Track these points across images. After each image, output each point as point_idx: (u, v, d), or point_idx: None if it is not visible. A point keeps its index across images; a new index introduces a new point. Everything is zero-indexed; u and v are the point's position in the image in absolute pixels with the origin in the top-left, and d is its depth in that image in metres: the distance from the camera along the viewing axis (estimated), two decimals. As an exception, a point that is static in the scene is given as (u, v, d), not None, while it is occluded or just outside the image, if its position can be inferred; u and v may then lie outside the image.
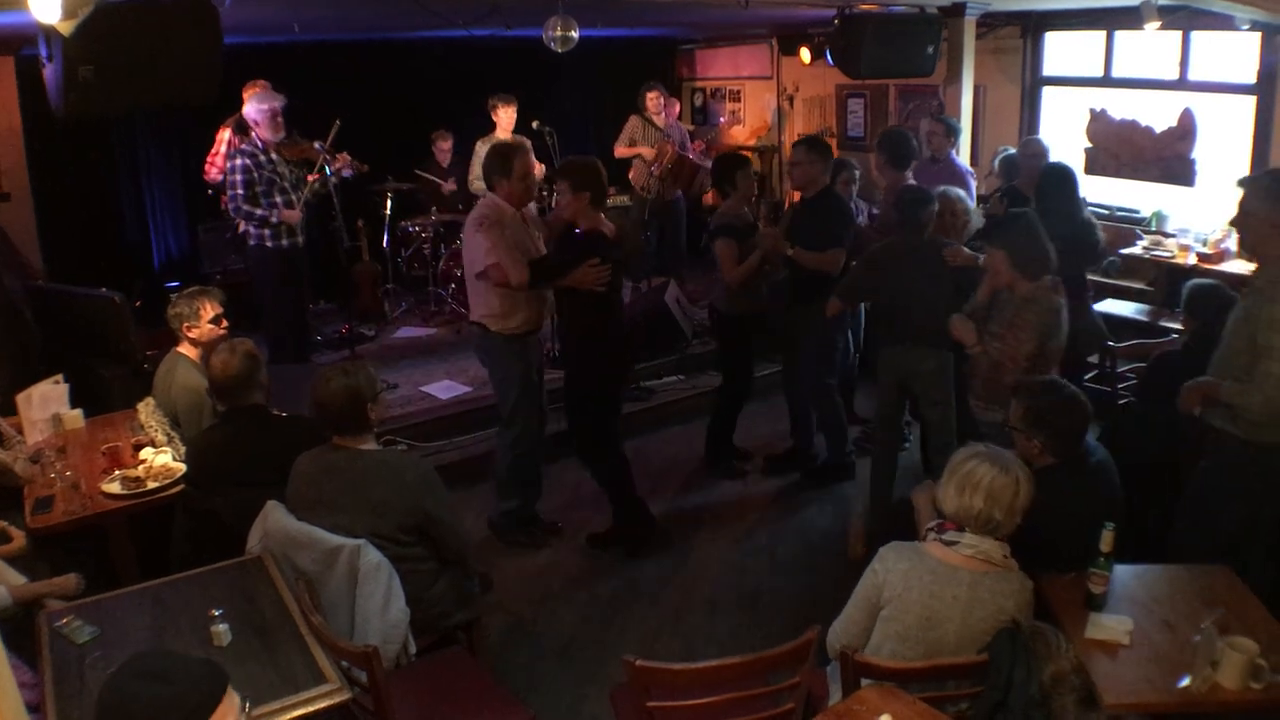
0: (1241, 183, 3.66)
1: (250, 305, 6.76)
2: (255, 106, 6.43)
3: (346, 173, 7.41)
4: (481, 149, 7.80)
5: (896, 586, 2.86)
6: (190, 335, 4.53)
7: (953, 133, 6.96)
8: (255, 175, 6.39)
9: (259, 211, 6.41)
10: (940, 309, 4.69)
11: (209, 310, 4.56)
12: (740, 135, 11.24)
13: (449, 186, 8.91)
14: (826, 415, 5.93)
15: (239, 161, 6.39)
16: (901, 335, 5.06)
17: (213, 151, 7.54)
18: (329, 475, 3.44)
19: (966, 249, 5.02)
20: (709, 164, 8.95)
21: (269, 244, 6.55)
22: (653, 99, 8.43)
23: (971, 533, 2.84)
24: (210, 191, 7.84)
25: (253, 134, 6.51)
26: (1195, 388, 3.65)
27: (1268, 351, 3.36)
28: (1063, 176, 5.83)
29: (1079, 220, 5.65)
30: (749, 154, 10.61)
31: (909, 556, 2.90)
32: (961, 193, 5.52)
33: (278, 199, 6.50)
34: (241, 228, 6.70)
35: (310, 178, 6.91)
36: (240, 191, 6.37)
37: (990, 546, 2.83)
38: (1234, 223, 3.73)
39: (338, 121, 7.15)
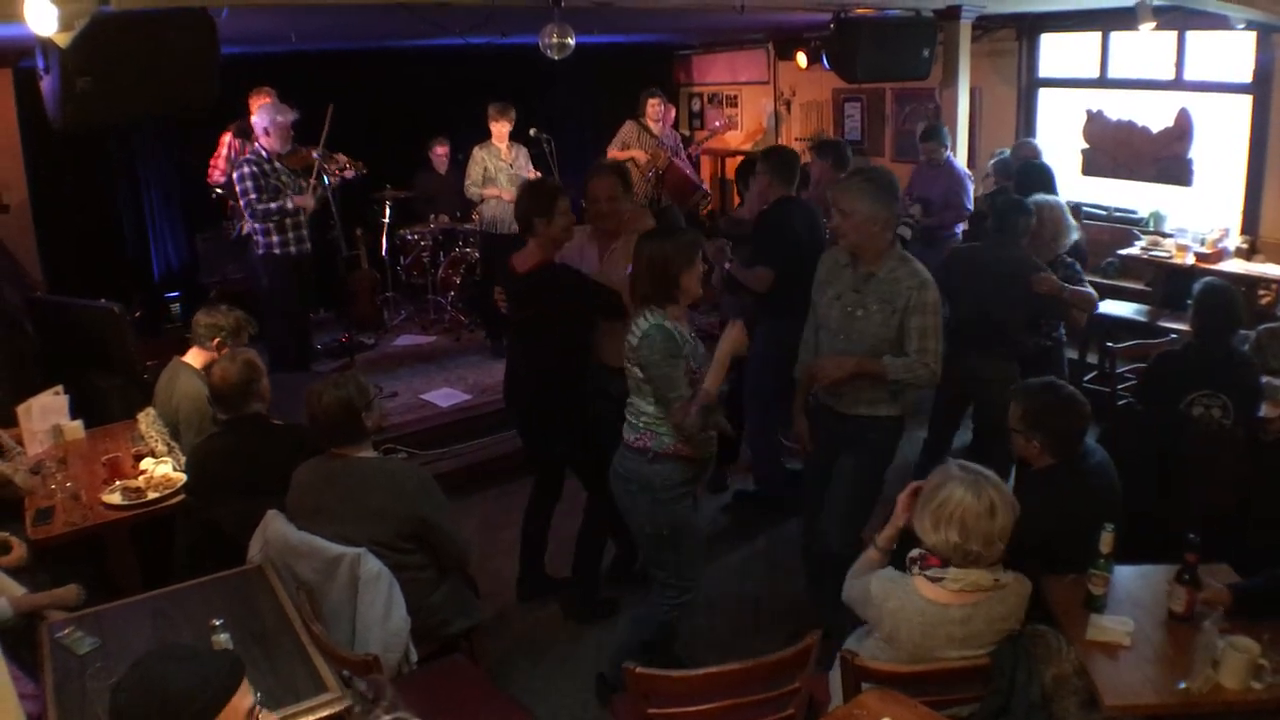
0: (836, 185, 3.90)
1: (251, 314, 6.77)
2: (268, 118, 6.49)
3: (349, 174, 7.44)
4: (479, 155, 7.81)
5: (886, 625, 2.79)
6: (220, 351, 4.52)
7: (944, 140, 7.01)
8: (263, 182, 6.45)
9: (274, 205, 6.49)
10: (1013, 323, 4.97)
11: (244, 339, 4.60)
12: (734, 140, 11.24)
13: (443, 219, 8.85)
14: (755, 438, 5.74)
15: (246, 169, 6.47)
16: (967, 339, 4.99)
17: (215, 155, 7.64)
18: (328, 484, 3.44)
19: (1054, 277, 4.91)
20: (705, 186, 9.01)
21: (277, 250, 6.62)
22: (653, 106, 8.43)
23: (955, 566, 2.72)
24: (214, 195, 7.92)
25: (256, 142, 6.57)
26: (842, 365, 3.84)
27: (923, 332, 3.74)
28: (1038, 176, 5.87)
29: None
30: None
31: (897, 595, 2.79)
32: (1060, 202, 5.28)
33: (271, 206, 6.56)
34: (246, 229, 6.75)
35: (310, 181, 6.94)
36: (253, 196, 6.46)
37: (978, 576, 2.71)
38: (834, 225, 3.86)
39: (331, 106, 7.14)
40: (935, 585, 2.74)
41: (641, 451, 3.63)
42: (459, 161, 8.73)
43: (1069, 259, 5.22)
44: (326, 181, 7.11)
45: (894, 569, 2.93)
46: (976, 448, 5.64)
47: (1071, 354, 6.72)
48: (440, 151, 9.01)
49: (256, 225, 6.62)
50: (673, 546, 3.74)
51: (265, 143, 6.53)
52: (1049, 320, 5.22)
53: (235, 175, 6.55)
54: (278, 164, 6.60)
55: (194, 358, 4.60)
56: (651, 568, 3.89)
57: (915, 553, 2.86)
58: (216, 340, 4.54)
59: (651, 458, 3.61)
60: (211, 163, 7.76)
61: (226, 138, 7.64)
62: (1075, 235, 5.28)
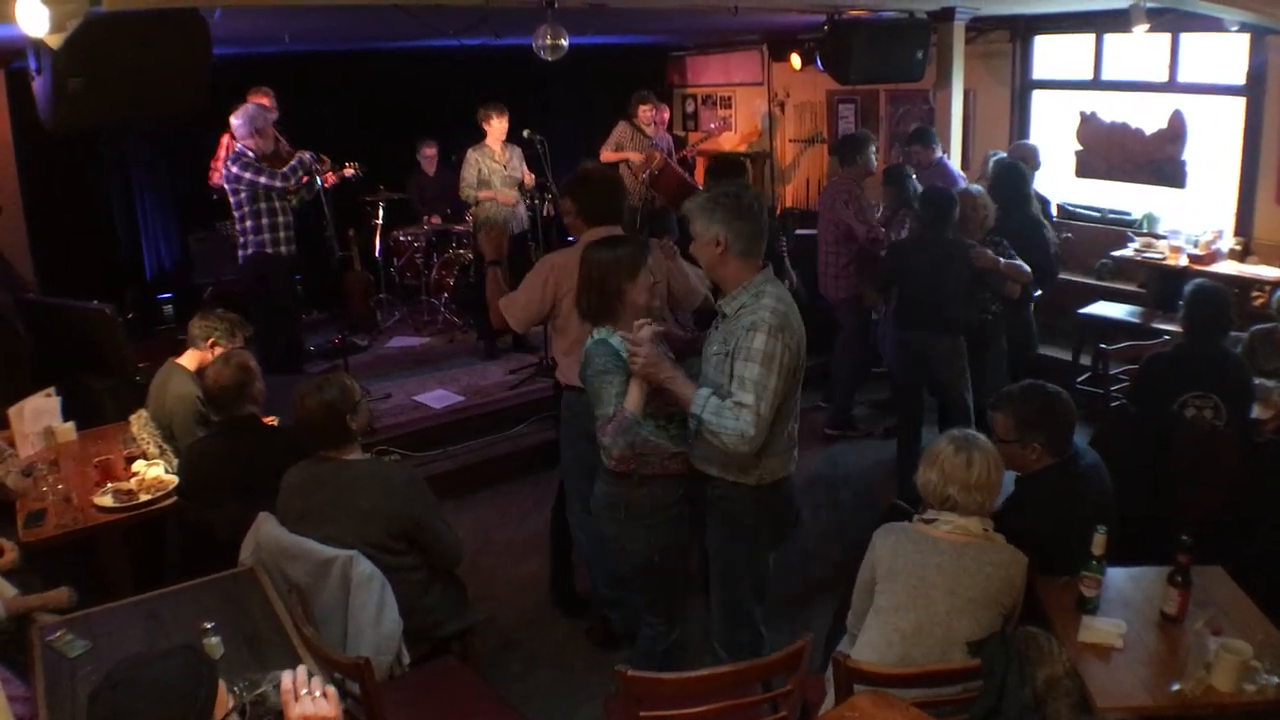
0: (684, 208, 3.36)
1: (244, 315, 6.78)
2: (261, 120, 6.56)
3: (348, 173, 7.44)
4: (472, 157, 7.79)
5: (885, 559, 2.99)
6: (213, 353, 4.52)
7: (932, 142, 7.04)
8: (253, 181, 6.50)
9: (263, 180, 6.54)
10: (952, 300, 5.36)
11: (239, 340, 4.59)
12: (728, 142, 11.23)
13: (435, 220, 8.90)
14: None
15: (243, 159, 6.53)
16: (915, 321, 5.56)
17: (215, 157, 7.68)
18: (317, 487, 3.44)
19: (990, 251, 5.36)
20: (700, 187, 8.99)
21: (269, 250, 6.65)
22: (645, 110, 8.42)
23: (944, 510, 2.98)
24: (216, 196, 7.94)
25: (239, 144, 6.59)
26: (658, 365, 3.16)
27: (742, 381, 3.07)
28: (1010, 175, 5.99)
29: (1025, 216, 5.90)
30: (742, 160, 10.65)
31: (894, 532, 3.05)
32: (980, 189, 5.71)
33: (261, 205, 6.57)
34: (238, 228, 6.78)
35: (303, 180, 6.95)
36: (263, 177, 6.53)
37: (966, 522, 2.95)
38: (689, 253, 3.36)
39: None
40: (929, 525, 3.00)
41: (626, 476, 3.33)
42: (449, 163, 8.72)
43: (998, 239, 5.55)
44: (320, 184, 7.11)
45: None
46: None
47: (1064, 355, 6.77)
48: (429, 153, 9.01)
49: (249, 224, 6.64)
50: (660, 575, 3.50)
51: (250, 144, 6.55)
52: (986, 294, 5.56)
53: (233, 169, 6.57)
54: (263, 165, 6.62)
55: (188, 360, 4.59)
56: (643, 602, 3.67)
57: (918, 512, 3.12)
58: (211, 341, 4.53)
59: (638, 480, 3.33)
60: (212, 165, 7.77)
61: (226, 139, 7.64)
62: (994, 217, 5.62)
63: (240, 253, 6.80)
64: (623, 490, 3.35)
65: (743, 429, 3.03)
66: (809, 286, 6.94)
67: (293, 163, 6.64)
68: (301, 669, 2.22)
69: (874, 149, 6.64)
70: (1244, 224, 6.89)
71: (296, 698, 2.14)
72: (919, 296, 5.49)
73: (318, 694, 2.15)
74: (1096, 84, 7.76)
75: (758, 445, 3.09)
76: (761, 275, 3.22)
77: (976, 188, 5.70)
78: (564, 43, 5.35)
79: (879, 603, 2.98)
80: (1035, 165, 6.98)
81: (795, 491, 3.49)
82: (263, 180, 6.49)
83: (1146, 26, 6.08)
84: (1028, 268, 5.50)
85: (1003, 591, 2.88)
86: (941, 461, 2.98)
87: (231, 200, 6.67)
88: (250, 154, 6.52)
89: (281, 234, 6.70)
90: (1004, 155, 7.23)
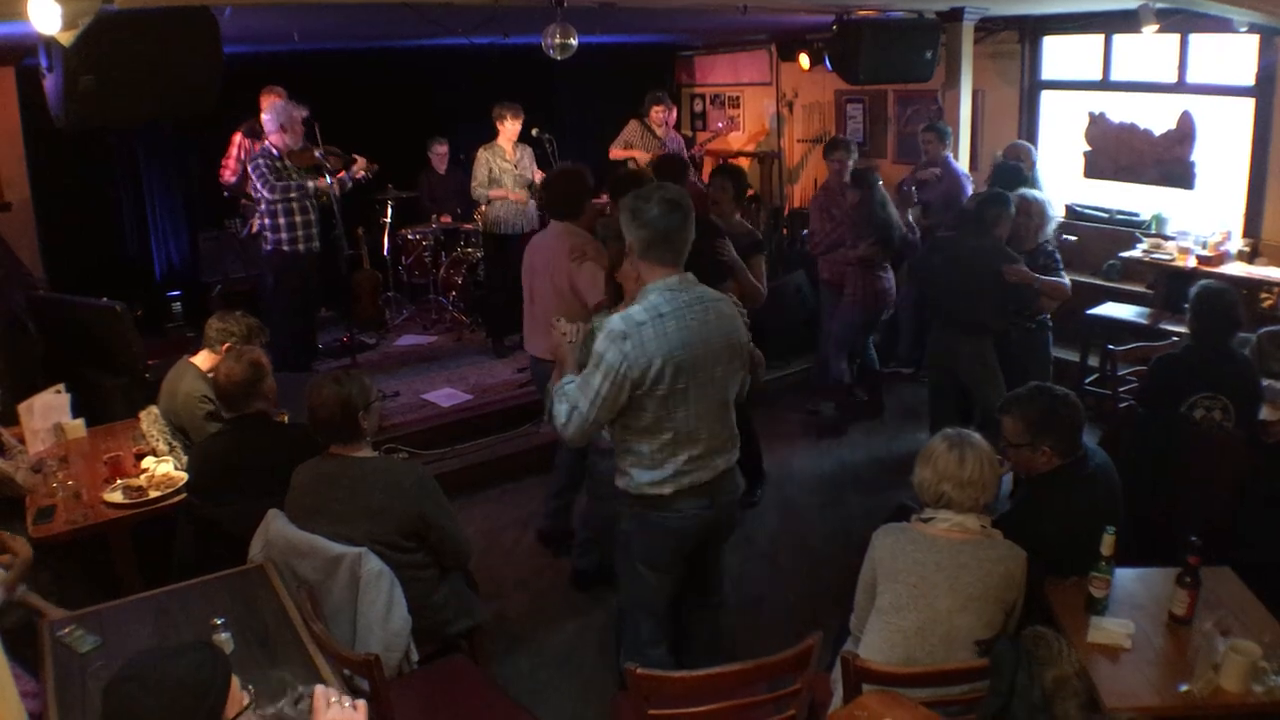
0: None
1: (255, 313, 6.81)
2: (285, 114, 6.63)
3: (360, 175, 7.47)
4: (483, 156, 7.80)
5: (885, 560, 3.02)
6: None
7: (944, 138, 7.05)
8: (279, 168, 6.63)
9: (293, 183, 6.63)
10: (980, 303, 5.34)
11: (255, 345, 4.61)
12: (736, 142, 11.24)
13: (445, 219, 8.91)
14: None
15: (260, 162, 6.61)
16: (943, 320, 5.64)
17: (226, 155, 7.73)
18: (327, 484, 3.44)
19: (1024, 267, 5.24)
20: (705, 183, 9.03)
21: (286, 248, 6.72)
22: (658, 111, 8.42)
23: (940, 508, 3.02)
24: (226, 194, 7.98)
25: (265, 140, 6.64)
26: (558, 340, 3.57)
27: (578, 380, 3.20)
28: (1008, 177, 6.00)
29: None
30: (747, 160, 10.66)
31: (894, 532, 3.08)
32: (1039, 194, 5.64)
33: (279, 203, 6.61)
34: (256, 226, 6.83)
35: (320, 182, 6.97)
36: (271, 181, 6.59)
37: (963, 519, 2.98)
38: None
39: (315, 123, 7.23)
40: (927, 524, 3.03)
41: (604, 451, 3.71)
42: (459, 161, 8.73)
43: (1049, 248, 5.52)
44: (332, 183, 7.13)
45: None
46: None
47: (1072, 356, 6.76)
48: (440, 151, 9.01)
49: (267, 220, 6.71)
50: (616, 544, 3.65)
51: (275, 140, 6.62)
52: (1021, 308, 5.48)
53: (250, 169, 6.67)
54: (287, 162, 6.66)
55: (203, 359, 4.60)
56: None
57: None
58: (227, 345, 4.54)
59: (603, 455, 3.74)
60: (223, 163, 7.87)
61: (237, 137, 7.75)
62: (1054, 225, 5.64)
63: (263, 247, 6.92)
64: (595, 459, 3.85)
65: (559, 416, 3.22)
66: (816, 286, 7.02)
67: (294, 182, 6.69)
68: (332, 689, 2.25)
69: (852, 153, 6.88)
70: (1253, 225, 6.87)
71: (328, 703, 2.15)
72: (946, 296, 5.57)
73: (347, 704, 2.17)
74: (1105, 85, 7.74)
75: (575, 435, 3.23)
76: (656, 283, 3.17)
77: (1033, 193, 5.58)
78: (573, 42, 5.36)
79: (881, 603, 2.99)
80: (1031, 164, 7.01)
81: (694, 524, 3.37)
82: (260, 186, 6.58)
83: (1155, 27, 6.06)
84: (1068, 283, 5.47)
85: (1003, 587, 2.90)
86: (935, 459, 3.02)
87: (254, 197, 6.77)
88: (274, 152, 6.60)
89: (300, 231, 6.78)
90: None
